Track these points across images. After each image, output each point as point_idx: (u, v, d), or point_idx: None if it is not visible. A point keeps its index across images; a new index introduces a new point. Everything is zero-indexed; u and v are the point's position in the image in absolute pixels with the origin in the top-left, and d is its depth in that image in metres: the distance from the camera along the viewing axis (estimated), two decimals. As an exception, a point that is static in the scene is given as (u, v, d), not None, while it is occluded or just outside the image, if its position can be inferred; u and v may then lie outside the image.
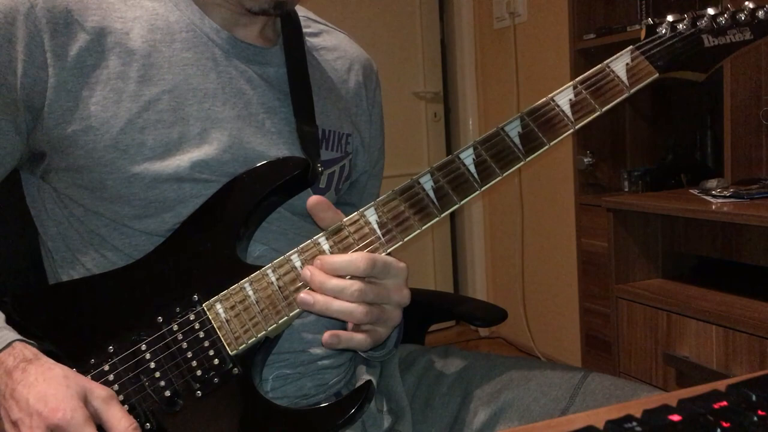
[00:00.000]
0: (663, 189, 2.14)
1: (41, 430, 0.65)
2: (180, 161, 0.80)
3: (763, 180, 1.75)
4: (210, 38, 0.86)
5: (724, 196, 1.66)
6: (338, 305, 0.72)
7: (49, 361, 0.70)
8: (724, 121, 1.81)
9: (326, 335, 0.74)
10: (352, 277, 0.73)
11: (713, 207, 1.61)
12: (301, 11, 0.99)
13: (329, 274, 0.73)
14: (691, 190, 1.86)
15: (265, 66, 0.89)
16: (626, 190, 2.29)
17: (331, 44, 1.00)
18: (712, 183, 1.82)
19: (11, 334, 0.71)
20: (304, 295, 0.73)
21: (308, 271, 0.73)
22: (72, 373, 0.69)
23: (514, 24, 2.93)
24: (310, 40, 0.97)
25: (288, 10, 0.87)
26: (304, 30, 0.96)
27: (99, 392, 0.69)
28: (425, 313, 1.23)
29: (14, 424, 0.67)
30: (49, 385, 0.67)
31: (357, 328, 0.76)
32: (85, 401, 0.68)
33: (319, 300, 0.73)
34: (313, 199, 0.77)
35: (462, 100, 3.29)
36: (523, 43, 2.92)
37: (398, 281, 0.76)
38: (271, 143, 0.86)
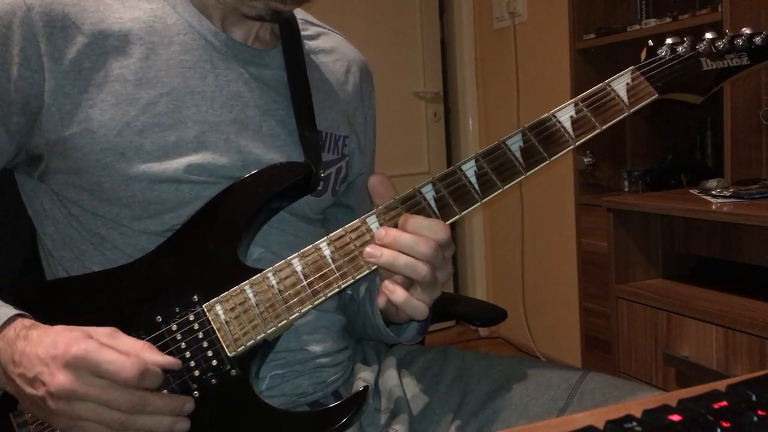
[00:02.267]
0: (663, 189, 2.14)
1: (61, 371, 0.66)
2: (178, 164, 0.80)
3: (763, 180, 1.75)
4: (207, 41, 0.86)
5: (724, 196, 1.66)
6: (405, 259, 0.73)
7: (48, 326, 0.71)
8: (724, 121, 1.81)
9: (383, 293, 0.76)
10: None
11: (713, 207, 1.61)
12: (298, 14, 0.99)
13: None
14: (691, 190, 1.86)
15: (262, 68, 0.89)
16: (626, 190, 2.30)
17: (329, 46, 1.01)
18: (712, 183, 1.82)
19: (9, 310, 0.72)
20: (370, 248, 0.74)
21: (383, 230, 0.74)
22: (70, 327, 0.70)
23: (514, 24, 2.93)
24: (308, 43, 0.97)
25: (284, 18, 0.87)
26: (302, 33, 0.96)
27: (102, 330, 0.70)
28: (425, 313, 1.23)
29: (33, 381, 0.67)
30: (53, 334, 0.69)
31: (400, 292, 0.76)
32: (98, 341, 0.69)
33: (385, 253, 0.73)
34: (377, 178, 0.78)
35: (462, 100, 3.30)
36: (523, 43, 2.92)
37: (450, 254, 0.78)
38: (268, 146, 0.86)
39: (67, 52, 0.78)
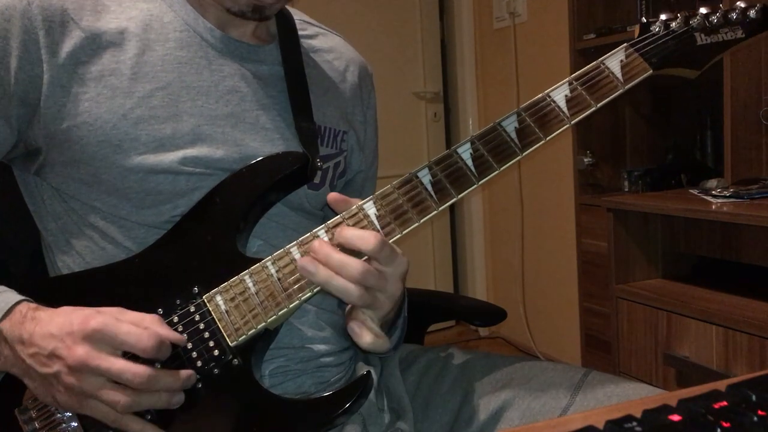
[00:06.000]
0: (663, 189, 2.14)
1: (80, 344, 0.68)
2: (174, 156, 0.81)
3: (763, 180, 1.75)
4: (203, 38, 0.87)
5: (724, 196, 1.66)
6: (337, 282, 0.72)
7: (54, 308, 0.73)
8: (724, 121, 1.81)
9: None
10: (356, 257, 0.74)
11: (713, 207, 1.61)
12: (296, 14, 1.00)
13: (338, 245, 0.73)
14: (691, 190, 1.86)
15: (259, 64, 0.90)
16: (626, 190, 2.29)
17: (327, 46, 1.01)
18: (712, 183, 1.82)
19: (15, 296, 0.74)
20: (307, 262, 0.73)
21: (317, 243, 0.74)
22: (78, 307, 0.72)
23: (514, 24, 2.93)
24: (307, 42, 0.98)
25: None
26: (300, 32, 0.97)
27: (110, 308, 0.72)
28: (425, 313, 1.23)
29: (49, 357, 0.69)
30: (64, 313, 0.71)
31: (354, 312, 0.77)
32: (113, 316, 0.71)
33: (321, 272, 0.72)
34: (333, 196, 0.77)
35: (462, 100, 3.30)
36: (523, 43, 2.92)
37: (398, 272, 0.76)
38: (266, 139, 0.87)
39: (64, 45, 0.80)
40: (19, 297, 0.74)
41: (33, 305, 0.73)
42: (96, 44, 0.81)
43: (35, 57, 0.79)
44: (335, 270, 0.72)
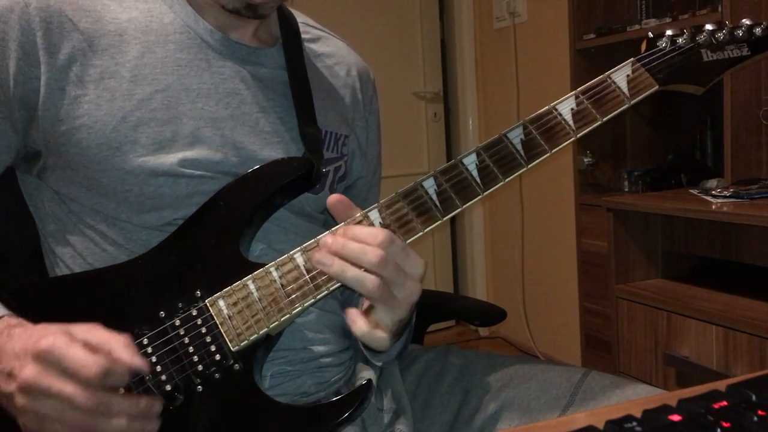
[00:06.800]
0: (663, 189, 2.14)
1: (30, 364, 0.65)
2: (173, 158, 0.81)
3: (763, 180, 1.75)
4: (203, 39, 0.86)
5: (724, 196, 1.66)
6: (353, 272, 0.71)
7: (33, 325, 0.70)
8: (724, 121, 1.81)
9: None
10: None
11: (713, 207, 1.61)
12: (299, 17, 0.99)
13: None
14: (691, 190, 1.86)
15: (259, 66, 0.89)
16: (626, 190, 2.30)
17: (329, 51, 1.01)
18: (712, 183, 1.83)
19: None
20: (321, 255, 0.72)
21: (330, 237, 0.73)
22: (53, 324, 0.68)
23: (514, 24, 2.94)
24: (309, 46, 0.98)
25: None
26: (303, 36, 0.97)
27: (81, 327, 0.68)
28: (424, 313, 1.23)
29: (8, 376, 0.66)
30: (32, 331, 0.68)
31: (366, 313, 0.75)
32: (69, 337, 0.67)
33: (336, 263, 0.71)
34: (334, 197, 0.76)
35: (462, 100, 3.30)
36: (523, 43, 2.92)
37: (414, 271, 0.74)
38: (265, 142, 0.86)
39: (62, 47, 0.80)
40: (2, 312, 0.72)
41: (13, 321, 0.71)
42: (95, 46, 0.81)
43: (33, 59, 0.78)
44: (353, 258, 0.71)
